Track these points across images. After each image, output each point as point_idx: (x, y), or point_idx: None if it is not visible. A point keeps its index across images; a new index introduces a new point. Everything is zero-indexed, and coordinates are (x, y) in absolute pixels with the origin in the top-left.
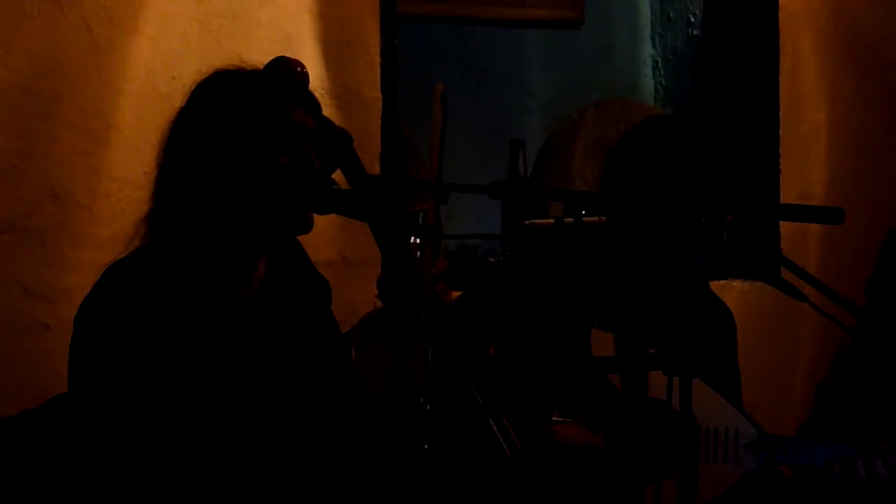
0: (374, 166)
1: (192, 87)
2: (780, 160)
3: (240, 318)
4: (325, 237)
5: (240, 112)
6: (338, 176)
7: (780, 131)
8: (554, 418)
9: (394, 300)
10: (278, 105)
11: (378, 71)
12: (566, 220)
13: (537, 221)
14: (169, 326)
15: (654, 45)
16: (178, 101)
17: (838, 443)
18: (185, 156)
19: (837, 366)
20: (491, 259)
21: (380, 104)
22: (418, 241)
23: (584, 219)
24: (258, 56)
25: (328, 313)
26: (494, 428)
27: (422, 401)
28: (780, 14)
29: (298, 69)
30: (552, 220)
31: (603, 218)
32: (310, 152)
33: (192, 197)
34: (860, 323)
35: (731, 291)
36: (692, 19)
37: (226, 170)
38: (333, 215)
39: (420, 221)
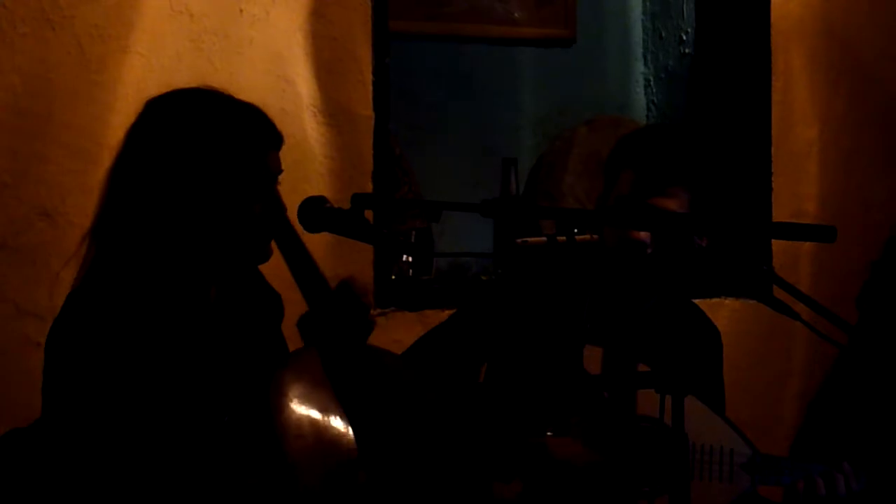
0: (366, 185)
1: (150, 103)
2: (773, 178)
3: (197, 332)
4: (316, 256)
5: (217, 153)
6: (331, 195)
7: (772, 149)
8: (549, 433)
9: (314, 337)
10: (258, 152)
11: (370, 89)
12: (558, 237)
13: (529, 239)
14: (133, 344)
15: (646, 63)
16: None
17: (830, 463)
18: (149, 180)
19: (827, 383)
20: (483, 277)
21: (372, 122)
22: (410, 258)
23: (577, 237)
24: (250, 74)
25: (277, 331)
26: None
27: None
28: (771, 32)
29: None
30: (544, 238)
31: (595, 236)
32: (277, 194)
33: (151, 224)
34: (851, 339)
35: (724, 310)
36: (684, 37)
37: (193, 207)
38: (326, 234)
39: (412, 239)
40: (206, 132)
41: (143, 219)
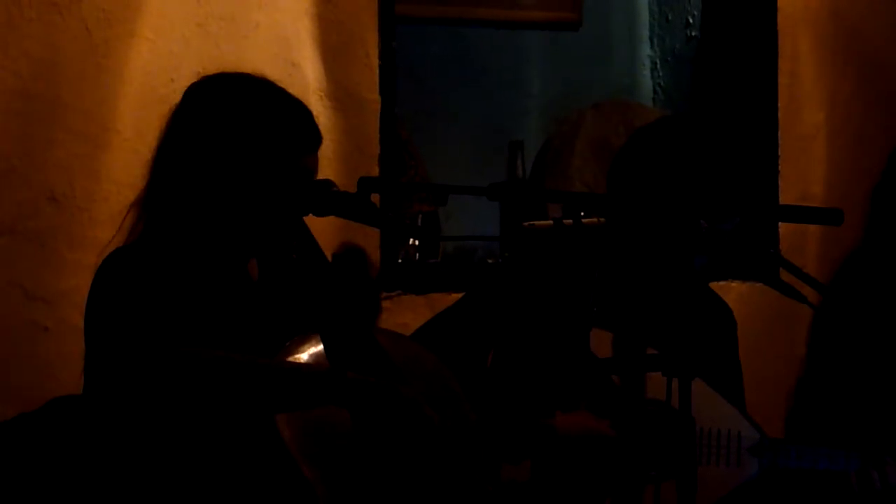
0: (372, 169)
1: (202, 87)
2: (779, 162)
3: (234, 306)
4: (323, 240)
5: (255, 146)
6: (338, 179)
7: (779, 133)
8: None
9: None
10: (294, 154)
11: (376, 73)
12: (565, 221)
13: (536, 223)
14: (176, 304)
15: (652, 46)
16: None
17: (838, 448)
18: (192, 157)
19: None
20: (490, 261)
21: (378, 106)
22: (417, 242)
23: (583, 220)
24: (257, 58)
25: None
26: None
27: None
28: (778, 16)
29: None
30: (551, 222)
31: (602, 219)
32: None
33: (190, 199)
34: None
35: (731, 292)
36: (691, 20)
37: (225, 189)
38: (332, 218)
39: (419, 223)
40: (251, 121)
41: (184, 193)
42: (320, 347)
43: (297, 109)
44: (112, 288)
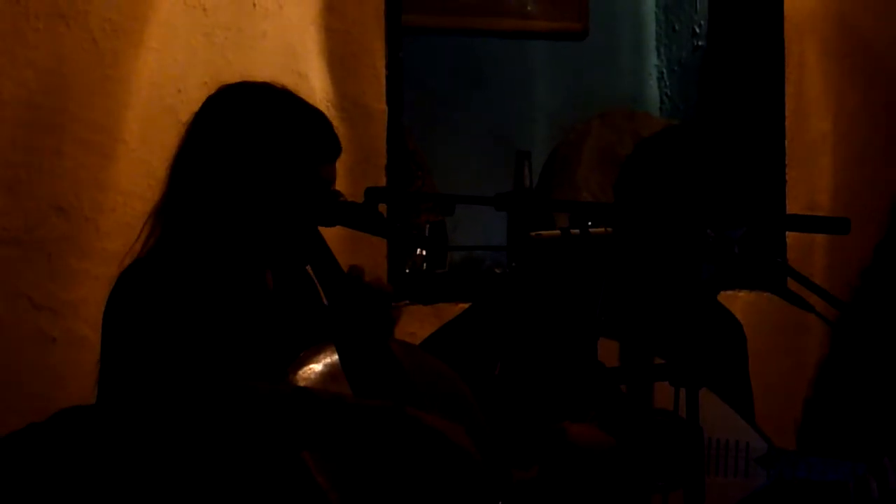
0: (380, 178)
1: (218, 96)
2: (787, 170)
3: (252, 316)
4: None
5: (271, 156)
6: (345, 189)
7: (786, 141)
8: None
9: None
10: (312, 163)
11: (383, 83)
12: (572, 231)
13: (543, 233)
14: (192, 310)
15: (659, 55)
16: (184, 113)
17: (847, 459)
18: (211, 170)
19: (825, 367)
20: (497, 271)
21: (385, 116)
22: (424, 252)
23: (591, 230)
24: (264, 69)
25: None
26: None
27: None
28: (785, 24)
29: None
30: (558, 232)
31: (609, 229)
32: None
33: (207, 209)
34: (846, 322)
35: (738, 302)
36: (697, 30)
37: (240, 199)
38: (339, 228)
39: (426, 233)
40: (269, 128)
41: (201, 202)
42: (335, 357)
43: (316, 118)
44: (132, 303)
